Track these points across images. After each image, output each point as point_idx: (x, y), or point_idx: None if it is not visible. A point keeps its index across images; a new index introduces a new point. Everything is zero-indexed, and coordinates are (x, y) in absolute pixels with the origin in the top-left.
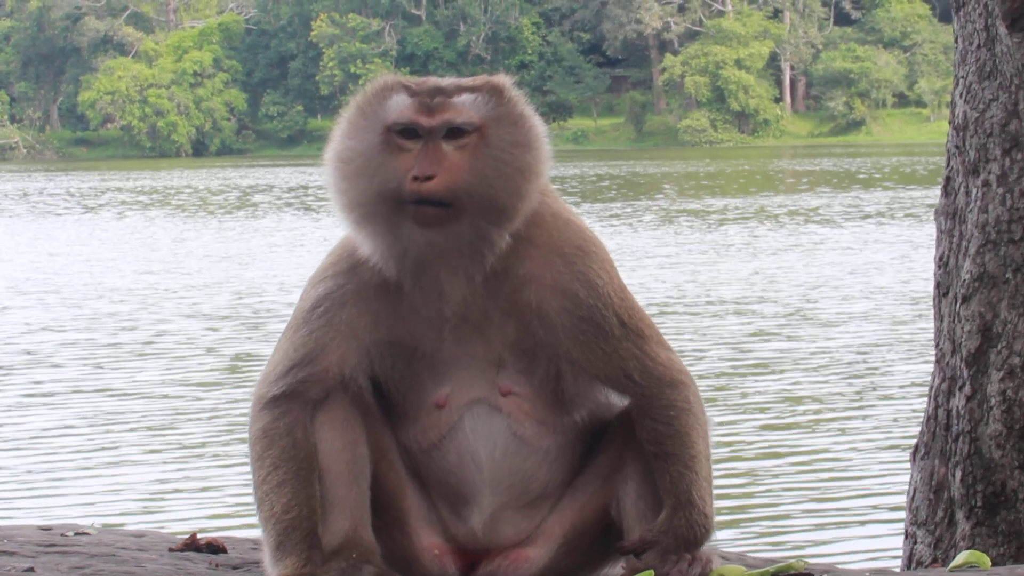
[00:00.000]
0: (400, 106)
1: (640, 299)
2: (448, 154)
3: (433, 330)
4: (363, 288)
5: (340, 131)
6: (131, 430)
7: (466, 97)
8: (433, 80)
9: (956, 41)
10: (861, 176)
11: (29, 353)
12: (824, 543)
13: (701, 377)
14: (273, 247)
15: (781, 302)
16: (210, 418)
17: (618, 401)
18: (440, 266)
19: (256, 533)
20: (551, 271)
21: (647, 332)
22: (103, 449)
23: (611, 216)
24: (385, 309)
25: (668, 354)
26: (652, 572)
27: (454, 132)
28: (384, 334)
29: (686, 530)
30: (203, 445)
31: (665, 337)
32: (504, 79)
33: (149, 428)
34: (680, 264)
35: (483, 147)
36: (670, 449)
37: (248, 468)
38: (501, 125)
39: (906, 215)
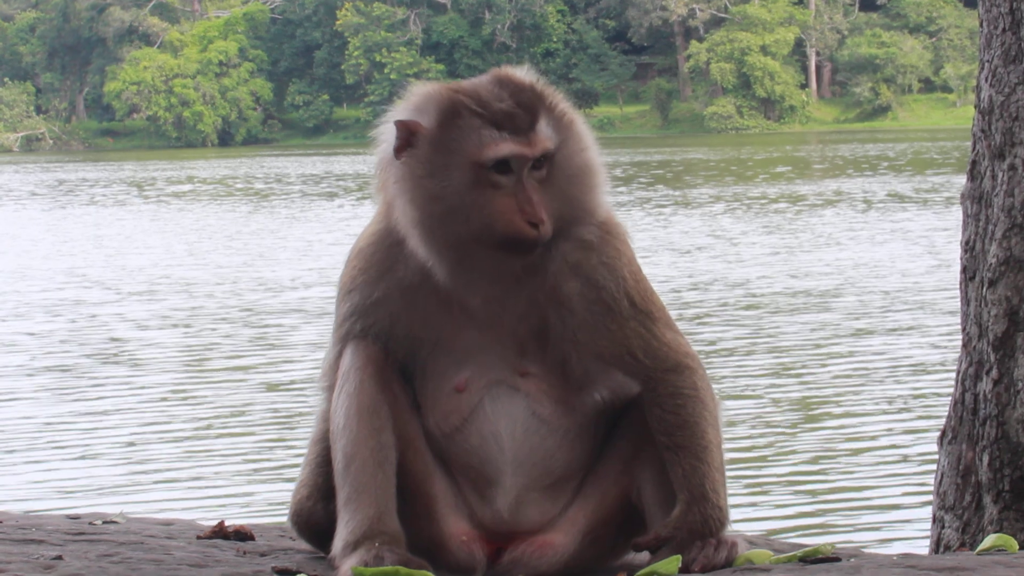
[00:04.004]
0: (489, 140)
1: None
2: (537, 188)
3: (456, 322)
4: (391, 291)
5: (414, 166)
6: (165, 422)
7: (544, 121)
8: (493, 99)
9: (981, 25)
10: (934, 159)
11: (73, 343)
12: (852, 528)
13: (741, 361)
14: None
15: (831, 287)
16: (245, 409)
17: (631, 383)
18: (503, 279)
19: (283, 520)
20: (576, 256)
21: (656, 314)
22: (130, 441)
23: (669, 203)
24: (410, 306)
25: (675, 336)
26: (679, 558)
27: (538, 162)
28: (405, 329)
29: (700, 524)
30: (238, 435)
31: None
32: (548, 92)
33: (182, 420)
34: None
35: (555, 171)
36: (680, 440)
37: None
38: (566, 144)
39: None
